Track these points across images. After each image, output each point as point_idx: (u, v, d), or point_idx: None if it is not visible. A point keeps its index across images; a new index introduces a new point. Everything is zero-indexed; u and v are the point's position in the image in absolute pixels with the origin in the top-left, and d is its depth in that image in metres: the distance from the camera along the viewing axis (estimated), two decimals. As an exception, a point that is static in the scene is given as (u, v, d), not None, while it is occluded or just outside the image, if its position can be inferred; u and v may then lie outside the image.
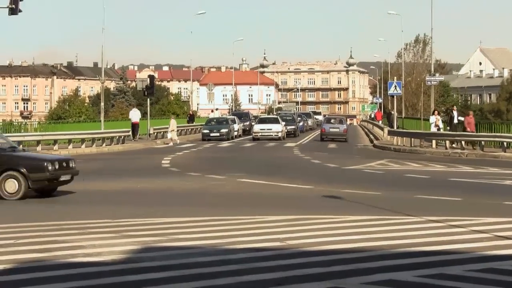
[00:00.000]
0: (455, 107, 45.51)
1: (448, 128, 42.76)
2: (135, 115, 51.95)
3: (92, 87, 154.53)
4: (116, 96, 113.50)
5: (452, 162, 31.45)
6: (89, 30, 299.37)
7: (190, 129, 64.26)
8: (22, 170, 18.12)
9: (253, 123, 61.09)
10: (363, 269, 9.64)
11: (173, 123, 50.43)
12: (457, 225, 13.47)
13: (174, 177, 24.39)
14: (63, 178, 18.74)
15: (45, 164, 18.32)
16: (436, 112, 45.34)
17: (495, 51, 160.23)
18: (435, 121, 42.88)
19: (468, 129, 39.15)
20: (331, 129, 54.30)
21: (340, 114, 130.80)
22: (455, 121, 41.84)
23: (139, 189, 20.81)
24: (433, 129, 42.35)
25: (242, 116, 69.65)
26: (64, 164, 18.93)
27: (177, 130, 54.86)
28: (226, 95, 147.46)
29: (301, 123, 69.80)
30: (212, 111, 76.08)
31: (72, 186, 19.48)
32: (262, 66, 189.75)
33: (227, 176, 24.15)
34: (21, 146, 22.78)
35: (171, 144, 47.78)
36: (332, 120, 58.00)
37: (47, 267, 9.78)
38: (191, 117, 71.20)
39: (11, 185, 18.12)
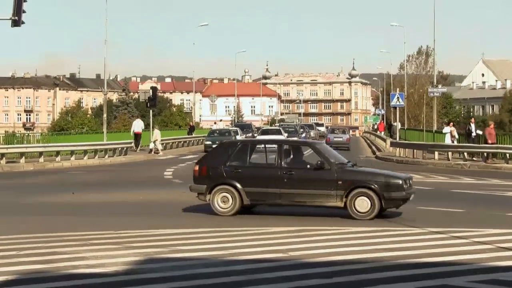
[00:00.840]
0: (473, 120, 43.67)
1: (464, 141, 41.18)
2: (137, 125, 52.30)
3: (94, 99, 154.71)
4: (119, 107, 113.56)
5: (455, 174, 31.42)
6: (91, 42, 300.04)
7: (190, 141, 64.09)
8: (374, 187, 16.41)
9: (255, 135, 61.11)
10: (365, 280, 9.62)
11: (156, 133, 50.52)
12: (460, 236, 13.45)
13: (176, 188, 24.36)
14: (411, 198, 17.02)
15: (401, 182, 16.64)
16: (451, 123, 44.31)
17: (497, 63, 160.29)
18: (450, 131, 41.47)
19: (489, 141, 37.32)
20: (335, 139, 58.92)
21: (343, 126, 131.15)
22: (473, 134, 40.08)
23: (142, 200, 20.79)
24: (448, 141, 41.01)
25: (245, 127, 69.63)
26: (411, 182, 17.44)
27: (174, 142, 55.61)
28: (228, 107, 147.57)
29: (303, 135, 69.81)
30: (215, 122, 76.15)
31: (74, 197, 19.41)
32: (265, 77, 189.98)
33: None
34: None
35: (161, 153, 48.03)
36: (336, 131, 64.19)
37: (49, 278, 9.78)
38: (191, 129, 71.10)
39: (363, 204, 16.38)
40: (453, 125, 43.96)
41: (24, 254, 11.55)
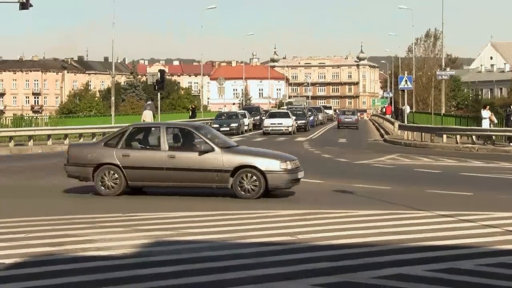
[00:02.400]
0: None
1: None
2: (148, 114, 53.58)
3: (102, 82, 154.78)
4: (127, 90, 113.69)
5: (463, 157, 31.37)
6: (99, 25, 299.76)
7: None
8: None
9: (263, 118, 61.06)
10: (373, 263, 9.63)
11: (145, 114, 51.25)
12: (468, 219, 13.44)
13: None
14: None
15: None
16: (487, 107, 42.85)
17: (506, 46, 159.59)
18: (489, 116, 39.91)
19: None
20: (345, 119, 70.52)
21: (351, 108, 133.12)
22: None
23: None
24: (486, 125, 39.41)
25: (253, 110, 69.54)
26: None
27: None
28: (236, 90, 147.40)
29: (311, 118, 69.76)
30: (224, 105, 76.12)
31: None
32: (273, 60, 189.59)
33: (238, 170, 24.07)
34: None
35: None
36: (347, 112, 75.82)
37: (58, 261, 9.81)
38: (193, 111, 68.65)
39: None
40: (490, 109, 42.41)
41: (33, 237, 11.59)
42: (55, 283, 8.55)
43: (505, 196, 17.25)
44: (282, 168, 17.09)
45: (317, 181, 20.73)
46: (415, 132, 45.13)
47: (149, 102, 55.26)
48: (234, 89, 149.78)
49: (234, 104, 78.39)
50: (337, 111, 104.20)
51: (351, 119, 70.48)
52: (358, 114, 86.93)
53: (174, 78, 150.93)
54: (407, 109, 62.49)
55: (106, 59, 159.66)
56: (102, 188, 17.48)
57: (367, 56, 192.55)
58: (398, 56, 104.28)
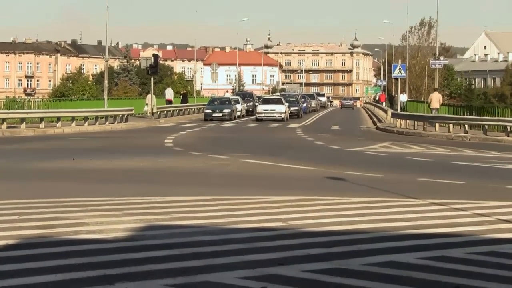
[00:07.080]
0: None
1: None
2: (168, 93, 60.16)
3: (95, 65, 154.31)
4: (120, 74, 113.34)
5: (455, 146, 31.44)
6: (93, 8, 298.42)
7: (190, 109, 63.48)
8: None
9: (256, 104, 61.05)
10: (364, 250, 9.65)
11: (149, 98, 54.33)
12: (460, 208, 13.47)
13: (177, 156, 24.39)
14: None
15: None
16: None
17: (500, 35, 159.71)
18: None
19: None
20: (346, 103, 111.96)
21: (349, 96, 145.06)
22: None
23: (142, 167, 20.83)
24: None
25: (246, 96, 69.52)
26: None
27: (175, 110, 58.69)
28: (230, 75, 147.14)
29: (304, 105, 69.82)
30: (227, 91, 77.22)
31: (75, 163, 19.47)
32: (266, 46, 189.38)
33: (230, 156, 24.15)
34: None
35: (148, 115, 52.14)
36: (346, 99, 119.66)
37: (49, 243, 9.81)
38: (184, 97, 67.58)
39: None
40: None
41: (25, 219, 11.58)
42: (47, 266, 8.54)
43: (496, 185, 17.29)
44: None
45: (309, 168, 20.76)
46: (407, 120, 45.18)
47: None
48: (227, 75, 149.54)
49: (230, 91, 79.48)
50: (329, 98, 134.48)
51: (349, 103, 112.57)
52: (353, 100, 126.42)
53: (168, 63, 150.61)
54: (402, 97, 62.45)
55: (99, 42, 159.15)
56: None
57: (361, 44, 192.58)
58: (392, 44, 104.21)
